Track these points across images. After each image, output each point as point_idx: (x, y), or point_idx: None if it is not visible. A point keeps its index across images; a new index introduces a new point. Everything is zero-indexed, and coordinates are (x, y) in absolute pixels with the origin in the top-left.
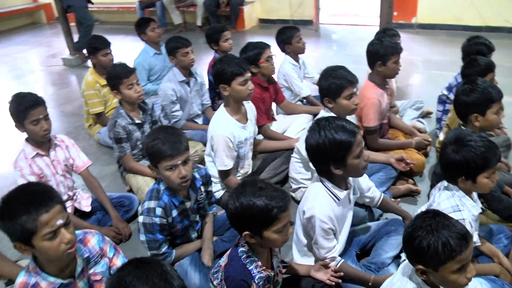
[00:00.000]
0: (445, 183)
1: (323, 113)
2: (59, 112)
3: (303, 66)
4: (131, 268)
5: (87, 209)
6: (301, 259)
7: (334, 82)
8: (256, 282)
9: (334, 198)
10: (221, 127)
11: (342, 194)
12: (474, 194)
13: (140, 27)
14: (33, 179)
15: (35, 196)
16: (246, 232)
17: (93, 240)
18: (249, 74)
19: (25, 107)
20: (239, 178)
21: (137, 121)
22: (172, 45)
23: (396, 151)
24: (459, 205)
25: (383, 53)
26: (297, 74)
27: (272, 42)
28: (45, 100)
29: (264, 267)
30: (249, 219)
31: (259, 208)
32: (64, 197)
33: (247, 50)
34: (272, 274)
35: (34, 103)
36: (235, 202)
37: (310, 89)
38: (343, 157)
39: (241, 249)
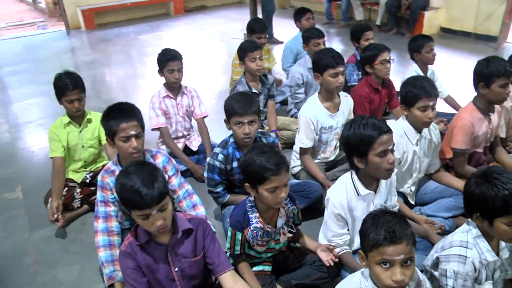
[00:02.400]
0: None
1: (401, 120)
2: (219, 74)
3: (431, 77)
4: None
5: (194, 148)
6: (325, 243)
7: (411, 90)
8: (251, 229)
9: (354, 191)
10: (308, 109)
11: (364, 191)
12: (502, 243)
13: (297, 15)
14: (159, 112)
15: (124, 111)
16: (247, 184)
17: (160, 159)
18: (341, 68)
19: (166, 59)
20: (317, 161)
21: (254, 90)
22: (307, 34)
23: None
24: (469, 243)
25: (487, 74)
26: None
27: (449, 55)
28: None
29: (260, 220)
30: (248, 173)
31: (256, 165)
32: (179, 134)
33: (366, 49)
34: (272, 231)
35: (173, 57)
36: (244, 156)
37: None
38: (365, 152)
39: (249, 198)
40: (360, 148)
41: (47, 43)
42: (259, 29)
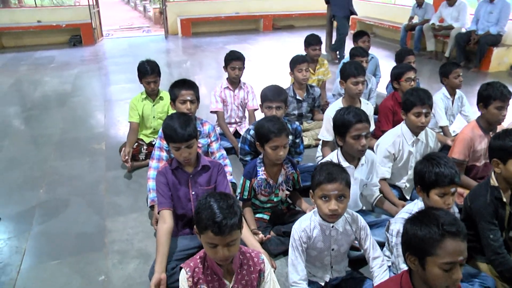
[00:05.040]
0: None
1: (402, 123)
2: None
3: (458, 101)
4: None
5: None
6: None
7: (409, 98)
8: (258, 179)
9: (336, 162)
10: (331, 110)
11: (345, 164)
12: None
13: (355, 37)
14: (219, 99)
15: (185, 82)
16: (257, 142)
17: (207, 126)
18: (361, 78)
19: (231, 58)
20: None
21: (298, 97)
22: (353, 52)
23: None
24: (413, 210)
25: (485, 95)
26: (444, 105)
27: None
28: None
29: (265, 173)
30: (259, 134)
31: (264, 128)
32: (232, 120)
33: (396, 68)
34: (274, 184)
35: (236, 57)
36: (257, 122)
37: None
38: (343, 133)
39: (260, 156)
40: (340, 129)
41: (148, 44)
42: (314, 42)
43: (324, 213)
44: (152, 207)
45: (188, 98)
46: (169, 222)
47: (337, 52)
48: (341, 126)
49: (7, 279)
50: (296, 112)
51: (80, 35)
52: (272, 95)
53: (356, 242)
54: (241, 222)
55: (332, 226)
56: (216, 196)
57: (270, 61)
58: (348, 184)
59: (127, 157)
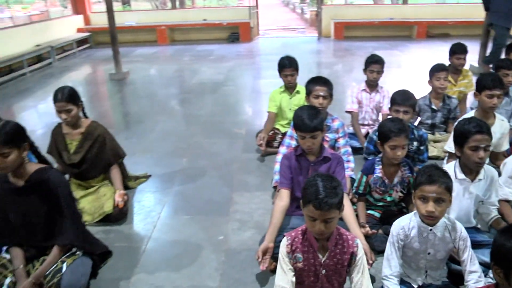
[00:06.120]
0: None
1: None
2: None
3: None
4: None
5: None
6: None
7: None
8: (374, 177)
9: (453, 173)
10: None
11: (460, 175)
12: None
13: (509, 48)
14: (355, 100)
15: (320, 79)
16: (378, 141)
17: (337, 122)
18: (497, 92)
19: (370, 61)
20: None
21: (433, 106)
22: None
23: None
24: None
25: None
26: None
27: None
28: None
29: (381, 171)
30: (380, 132)
31: (385, 128)
32: (365, 122)
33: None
34: (389, 184)
35: (375, 61)
36: (381, 122)
37: None
38: (462, 143)
39: (380, 155)
40: (459, 139)
41: (300, 44)
42: (458, 51)
43: (421, 214)
44: (275, 187)
45: (321, 93)
46: (285, 201)
47: (490, 66)
48: (460, 135)
49: (150, 221)
50: (429, 121)
51: (238, 33)
52: (401, 99)
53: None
54: (341, 204)
55: (430, 230)
56: (323, 177)
57: (416, 69)
58: (448, 189)
59: (261, 142)
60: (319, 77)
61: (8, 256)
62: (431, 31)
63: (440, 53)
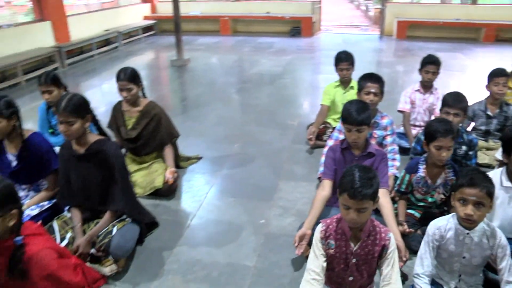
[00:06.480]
0: None
1: None
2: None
3: None
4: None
5: None
6: None
7: None
8: (417, 176)
9: (499, 180)
10: None
11: (506, 183)
12: None
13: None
14: (408, 100)
15: (372, 76)
16: (424, 141)
17: (386, 119)
18: None
19: (426, 62)
20: None
21: (489, 113)
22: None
23: None
24: None
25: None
26: None
27: None
28: None
29: (425, 171)
30: (427, 132)
31: (432, 127)
32: (417, 123)
33: None
34: (431, 185)
35: (431, 61)
36: (429, 121)
37: None
38: (510, 150)
39: (425, 155)
40: (507, 145)
41: (361, 42)
42: None
43: (459, 216)
44: (320, 179)
45: (372, 90)
46: (327, 191)
47: None
48: (508, 142)
49: (197, 199)
50: (483, 127)
51: (300, 27)
52: (452, 101)
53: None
54: (376, 195)
55: (468, 233)
56: (360, 167)
57: (479, 75)
58: (489, 194)
59: (311, 137)
60: (372, 73)
61: (69, 215)
62: (501, 35)
63: (508, 59)
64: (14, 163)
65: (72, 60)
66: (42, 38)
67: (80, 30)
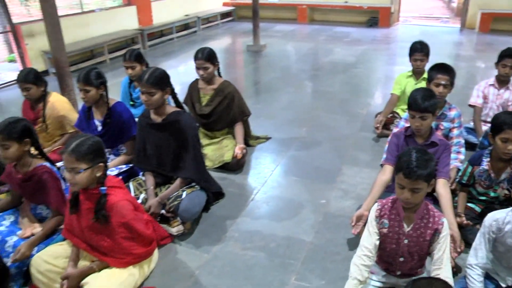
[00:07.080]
0: None
1: None
2: None
3: None
4: None
5: None
6: None
7: None
8: (480, 169)
9: None
10: None
11: None
12: None
13: None
14: (480, 94)
15: (443, 67)
16: (489, 133)
17: (453, 112)
18: None
19: (505, 54)
20: None
21: None
22: None
23: None
24: None
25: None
26: None
27: None
28: None
29: (489, 164)
30: (493, 124)
31: (499, 119)
32: (488, 119)
33: None
34: (495, 179)
35: (510, 54)
36: (496, 114)
37: None
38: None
39: (490, 148)
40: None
41: (440, 34)
42: None
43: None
44: (382, 165)
45: (442, 82)
46: (387, 175)
47: None
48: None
49: (263, 176)
50: None
51: (377, 18)
52: None
53: None
54: (431, 177)
55: None
56: (418, 149)
57: None
58: None
59: (378, 126)
60: (443, 64)
61: (143, 178)
62: None
63: None
64: (100, 128)
65: (153, 42)
66: (127, 21)
67: (162, 14)
